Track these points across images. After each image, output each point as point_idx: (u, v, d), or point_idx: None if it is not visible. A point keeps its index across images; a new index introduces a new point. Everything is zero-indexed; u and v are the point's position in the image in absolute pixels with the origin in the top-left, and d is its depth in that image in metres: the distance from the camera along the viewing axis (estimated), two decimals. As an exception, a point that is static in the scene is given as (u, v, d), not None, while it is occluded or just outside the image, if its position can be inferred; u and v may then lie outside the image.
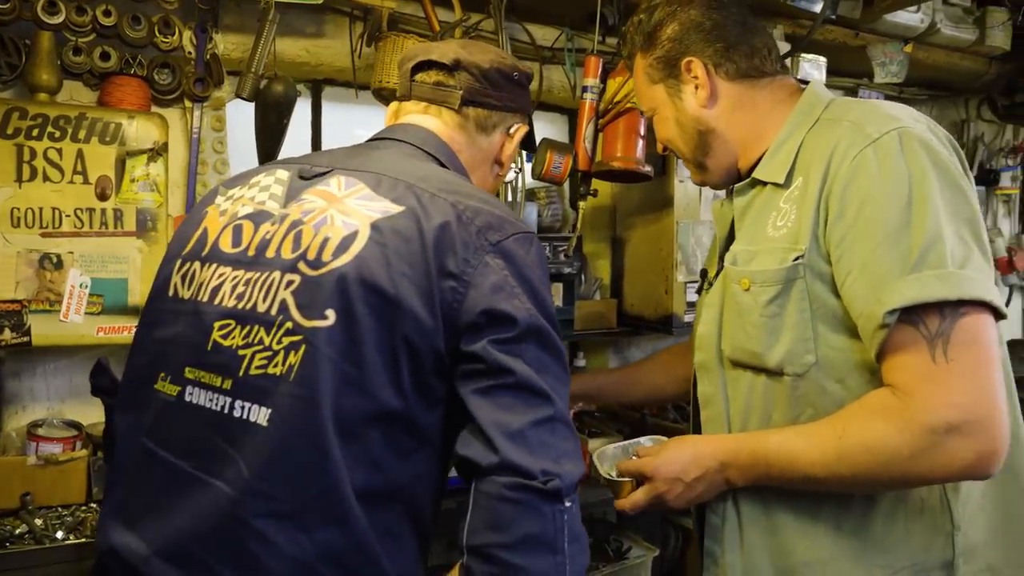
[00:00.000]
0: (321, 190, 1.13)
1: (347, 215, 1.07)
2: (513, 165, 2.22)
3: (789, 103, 1.30)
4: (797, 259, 1.13)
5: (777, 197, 1.23)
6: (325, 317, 1.01)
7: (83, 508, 1.80)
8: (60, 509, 1.78)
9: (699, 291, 1.49)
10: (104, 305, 1.90)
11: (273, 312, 1.04)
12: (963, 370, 0.99)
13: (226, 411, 1.03)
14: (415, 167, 1.16)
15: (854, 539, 1.14)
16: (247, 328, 1.05)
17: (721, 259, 1.33)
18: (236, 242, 1.12)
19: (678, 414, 2.60)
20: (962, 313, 1.01)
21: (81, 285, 1.88)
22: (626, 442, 1.43)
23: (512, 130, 1.36)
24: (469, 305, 1.01)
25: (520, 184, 2.24)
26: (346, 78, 2.26)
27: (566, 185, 2.42)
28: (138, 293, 1.93)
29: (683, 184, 2.36)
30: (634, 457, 1.35)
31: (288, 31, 2.11)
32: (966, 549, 1.13)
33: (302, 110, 2.38)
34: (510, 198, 2.24)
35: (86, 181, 1.90)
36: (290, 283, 1.04)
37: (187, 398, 1.06)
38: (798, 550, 1.18)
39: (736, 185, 1.33)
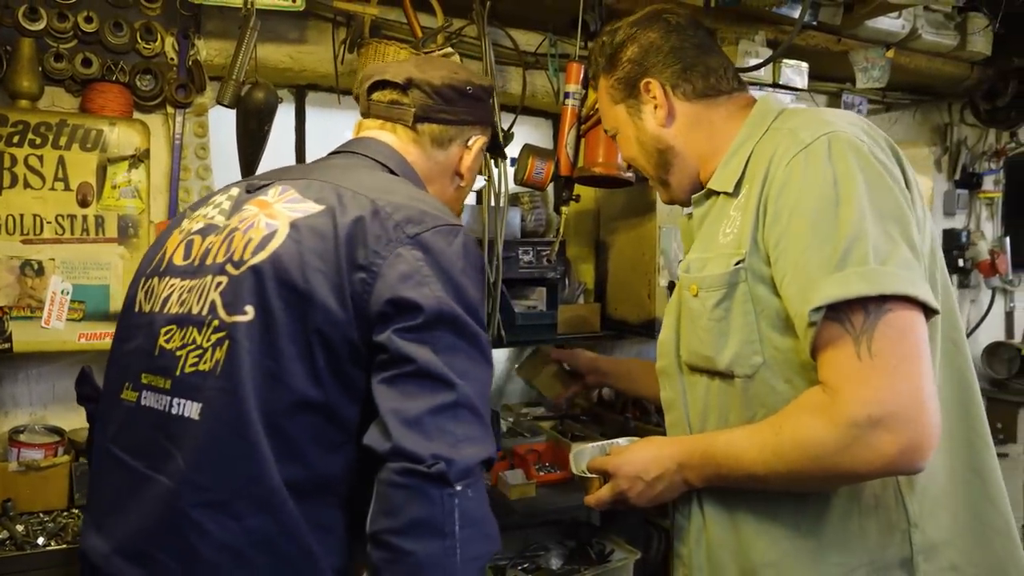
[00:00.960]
0: (259, 199, 1.20)
1: (271, 217, 1.14)
2: (481, 175, 2.24)
3: (742, 116, 1.34)
4: (738, 263, 1.17)
5: (728, 205, 1.27)
6: (245, 312, 1.07)
7: (65, 514, 1.80)
8: (42, 515, 1.78)
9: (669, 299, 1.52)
10: (85, 311, 1.90)
11: (204, 312, 1.11)
12: (885, 365, 1.01)
13: (167, 410, 1.10)
14: (360, 175, 1.21)
15: (811, 538, 1.16)
16: (184, 330, 1.12)
17: None
18: (187, 255, 1.21)
19: (660, 417, 2.61)
20: (887, 309, 1.02)
21: (63, 291, 1.88)
22: (604, 442, 1.47)
23: (470, 142, 1.40)
24: (376, 296, 1.05)
25: (503, 189, 2.25)
26: (329, 83, 2.26)
27: (550, 190, 2.43)
28: (120, 299, 1.92)
29: (665, 189, 2.38)
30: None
31: (271, 37, 2.12)
32: (925, 547, 1.14)
33: (286, 115, 2.39)
34: (493, 203, 2.25)
35: (67, 188, 1.89)
36: (219, 284, 1.12)
37: (143, 402, 1.14)
38: (758, 549, 1.20)
39: (693, 196, 1.37)
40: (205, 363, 1.08)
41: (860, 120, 1.21)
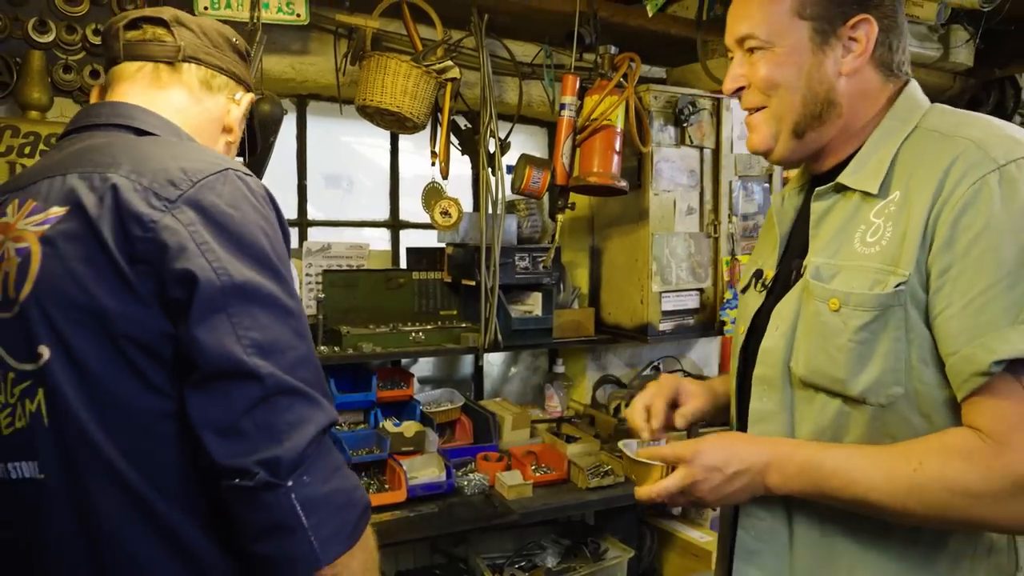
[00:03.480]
0: (1, 223, 1.04)
1: (18, 240, 0.99)
2: (493, 180, 2.30)
3: (881, 102, 1.17)
4: (899, 285, 1.03)
5: (867, 208, 1.12)
6: (40, 354, 0.94)
7: None
8: None
9: (744, 290, 1.36)
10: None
11: None
12: None
13: (6, 476, 0.97)
14: (111, 150, 1.04)
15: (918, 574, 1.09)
16: None
17: (783, 261, 1.26)
18: None
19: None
20: None
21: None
22: (653, 441, 1.34)
23: (238, 96, 1.25)
24: (160, 281, 0.93)
25: (500, 197, 2.31)
26: (331, 94, 2.32)
27: (545, 197, 2.49)
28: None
29: (658, 197, 2.44)
30: None
31: (274, 48, 2.17)
32: None
33: (287, 123, 2.44)
34: (490, 211, 2.30)
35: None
36: None
37: None
38: None
39: (819, 188, 1.19)
40: (20, 419, 0.96)
41: None
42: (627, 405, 2.60)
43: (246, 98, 1.27)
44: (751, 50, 1.18)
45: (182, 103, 1.18)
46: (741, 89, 1.21)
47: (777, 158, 1.21)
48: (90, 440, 0.94)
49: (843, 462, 1.06)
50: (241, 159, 1.40)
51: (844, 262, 1.11)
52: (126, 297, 0.93)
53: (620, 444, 1.29)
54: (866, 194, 1.12)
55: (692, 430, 1.52)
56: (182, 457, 0.96)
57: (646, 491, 1.17)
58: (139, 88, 1.15)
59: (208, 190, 0.97)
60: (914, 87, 1.18)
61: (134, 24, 1.17)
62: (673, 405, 1.39)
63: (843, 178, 1.15)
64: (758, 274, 1.31)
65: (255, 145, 1.51)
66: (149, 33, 1.17)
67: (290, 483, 0.91)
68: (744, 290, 1.35)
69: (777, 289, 1.24)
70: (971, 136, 1.04)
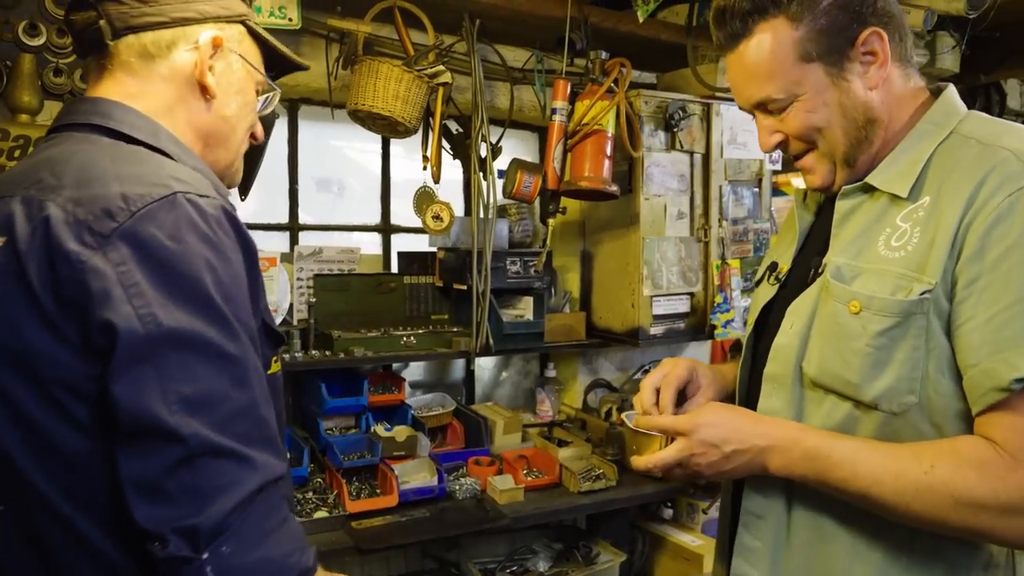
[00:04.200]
0: None
1: None
2: (485, 184, 2.30)
3: (915, 104, 1.14)
4: (924, 293, 1.01)
5: (894, 211, 1.09)
6: None
7: None
8: None
9: (758, 284, 1.34)
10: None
11: None
12: None
13: None
14: (70, 164, 0.94)
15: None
16: None
17: (799, 256, 1.25)
18: None
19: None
20: None
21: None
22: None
23: (202, 40, 1.04)
24: (86, 328, 0.85)
25: (492, 201, 2.31)
26: (322, 98, 2.32)
27: (536, 201, 2.50)
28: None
29: (648, 201, 2.45)
30: None
31: (265, 53, 2.17)
32: None
33: (278, 127, 2.44)
34: (481, 215, 2.31)
35: (66, 200, 1.91)
36: None
37: None
38: (853, 573, 1.11)
39: (846, 187, 1.16)
40: None
41: None
42: (619, 409, 2.62)
43: (207, 35, 1.04)
44: (763, 108, 1.15)
45: (139, 87, 1.03)
46: (781, 143, 1.17)
47: (838, 188, 1.18)
48: (28, 480, 0.89)
49: (851, 454, 1.04)
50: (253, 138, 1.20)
51: (866, 264, 1.08)
52: (52, 339, 0.86)
53: (624, 415, 1.28)
54: (895, 197, 1.09)
55: None
56: (120, 500, 0.88)
57: (643, 461, 1.16)
58: (112, 83, 1.04)
59: (148, 221, 0.86)
60: (951, 93, 1.15)
61: (67, 20, 1.06)
62: (683, 389, 1.35)
63: (872, 178, 1.12)
64: (772, 267, 1.30)
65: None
66: (80, 22, 1.03)
67: (205, 555, 0.82)
68: (758, 283, 1.34)
69: (790, 283, 1.24)
70: (1011, 147, 1.02)
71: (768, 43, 1.11)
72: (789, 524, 1.17)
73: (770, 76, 1.12)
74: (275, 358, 1.11)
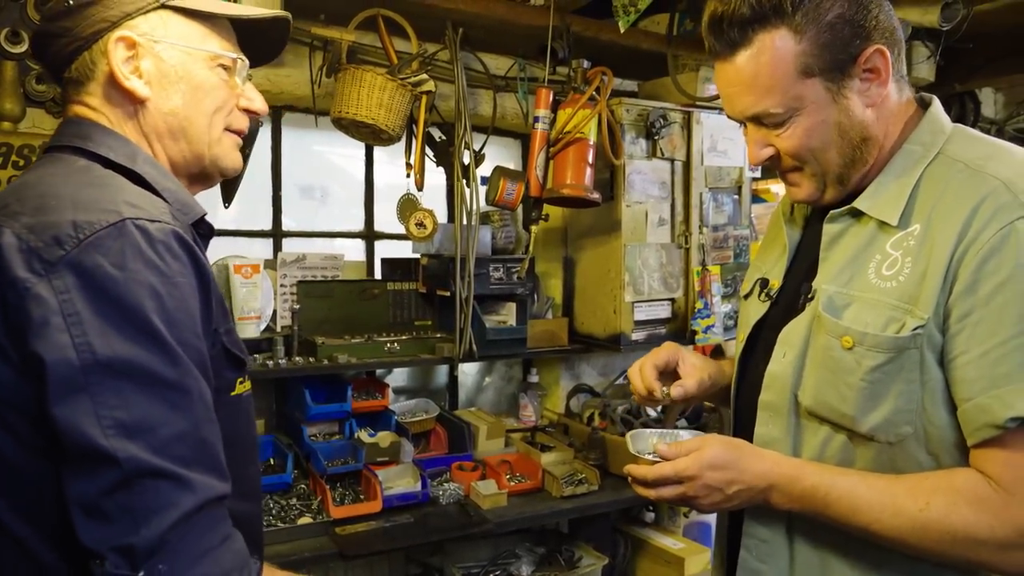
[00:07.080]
0: None
1: None
2: (468, 191, 2.31)
3: (905, 118, 1.12)
4: (917, 328, 1.01)
5: (883, 238, 1.08)
6: None
7: None
8: None
9: (747, 296, 1.33)
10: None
11: None
12: None
13: None
14: (24, 190, 0.97)
15: None
16: None
17: (789, 275, 1.25)
18: None
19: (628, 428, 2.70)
20: None
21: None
22: (663, 430, 1.34)
23: (109, 48, 1.02)
24: (28, 360, 0.87)
25: (475, 208, 2.33)
26: (306, 105, 2.33)
27: (519, 208, 2.52)
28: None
29: (630, 208, 2.48)
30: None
31: (249, 60, 2.17)
32: None
33: (262, 134, 2.44)
34: (465, 222, 2.32)
35: (48, 207, 1.90)
36: None
37: None
38: None
39: (833, 211, 1.14)
40: None
41: None
42: (601, 415, 2.65)
43: (113, 41, 1.02)
44: (757, 120, 1.12)
45: (99, 107, 1.05)
46: (771, 157, 1.14)
47: (824, 204, 1.17)
48: None
49: (848, 491, 1.05)
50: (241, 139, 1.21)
51: (858, 293, 1.08)
52: (8, 368, 0.88)
53: (628, 436, 1.27)
54: (883, 223, 1.08)
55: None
56: (66, 516, 0.90)
57: (644, 493, 1.17)
58: (83, 102, 1.07)
59: (94, 249, 0.88)
60: (936, 108, 1.13)
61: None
62: (674, 374, 1.36)
63: (859, 203, 1.11)
64: (763, 283, 1.29)
65: None
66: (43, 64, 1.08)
67: (142, 574, 0.85)
68: (747, 296, 1.33)
69: (781, 301, 1.24)
70: (1000, 175, 1.01)
71: (768, 54, 1.06)
72: (791, 546, 1.18)
73: (769, 89, 1.07)
74: (240, 379, 1.12)
